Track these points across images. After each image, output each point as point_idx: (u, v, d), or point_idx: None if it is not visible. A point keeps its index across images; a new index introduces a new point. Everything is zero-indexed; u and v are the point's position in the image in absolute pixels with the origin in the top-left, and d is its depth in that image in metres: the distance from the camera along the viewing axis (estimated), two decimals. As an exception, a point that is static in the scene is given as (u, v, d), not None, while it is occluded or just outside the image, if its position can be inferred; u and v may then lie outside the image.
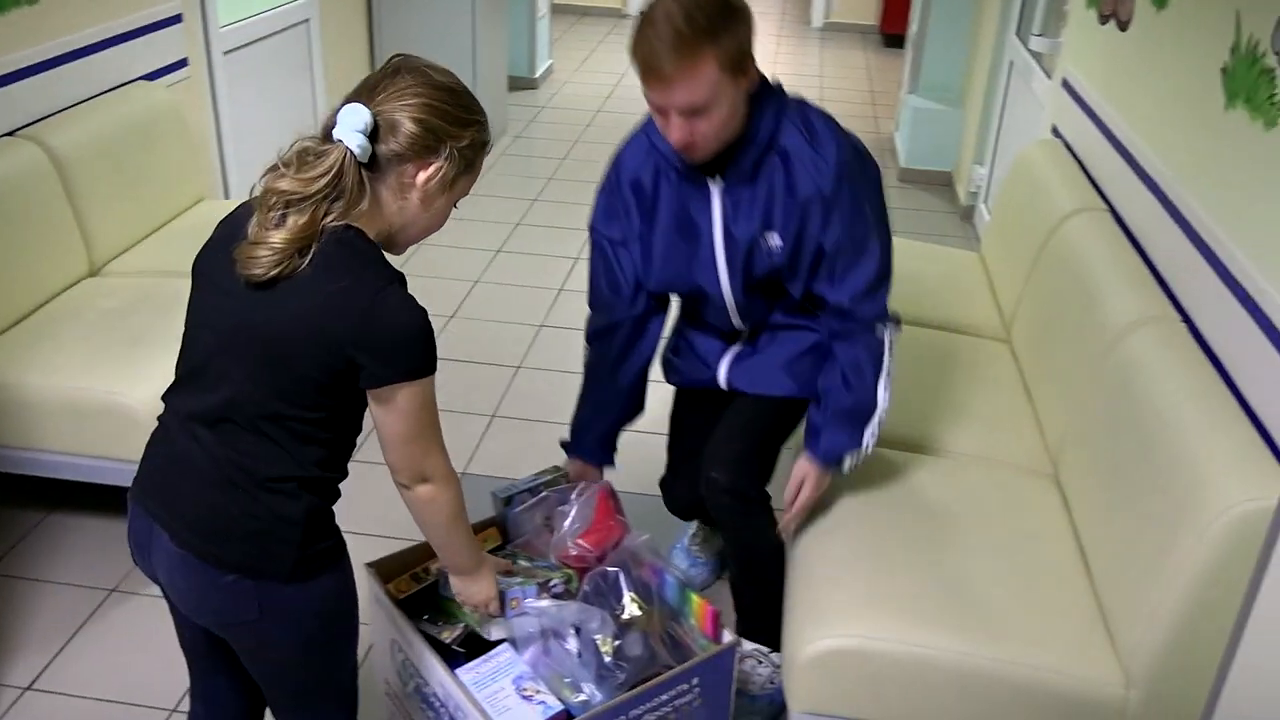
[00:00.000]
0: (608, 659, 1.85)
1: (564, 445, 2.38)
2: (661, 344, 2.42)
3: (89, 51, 3.32)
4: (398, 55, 1.57)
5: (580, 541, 2.06)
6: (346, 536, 1.66)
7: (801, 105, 2.07)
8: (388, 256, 1.55)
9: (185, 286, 2.99)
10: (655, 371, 2.45)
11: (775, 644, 2.30)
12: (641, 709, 1.84)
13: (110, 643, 2.50)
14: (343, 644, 1.68)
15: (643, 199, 2.14)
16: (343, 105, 1.49)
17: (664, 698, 1.87)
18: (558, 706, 1.81)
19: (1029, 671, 1.90)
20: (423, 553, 2.06)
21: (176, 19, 3.77)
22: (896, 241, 2.21)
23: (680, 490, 2.56)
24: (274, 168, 1.48)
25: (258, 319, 1.47)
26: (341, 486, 1.63)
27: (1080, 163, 3.25)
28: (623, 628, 1.91)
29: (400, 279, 1.50)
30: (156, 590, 2.63)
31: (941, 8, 5.58)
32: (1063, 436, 2.45)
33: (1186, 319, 2.32)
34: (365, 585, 1.84)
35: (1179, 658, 1.81)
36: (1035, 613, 2.01)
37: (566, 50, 8.30)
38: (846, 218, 2.03)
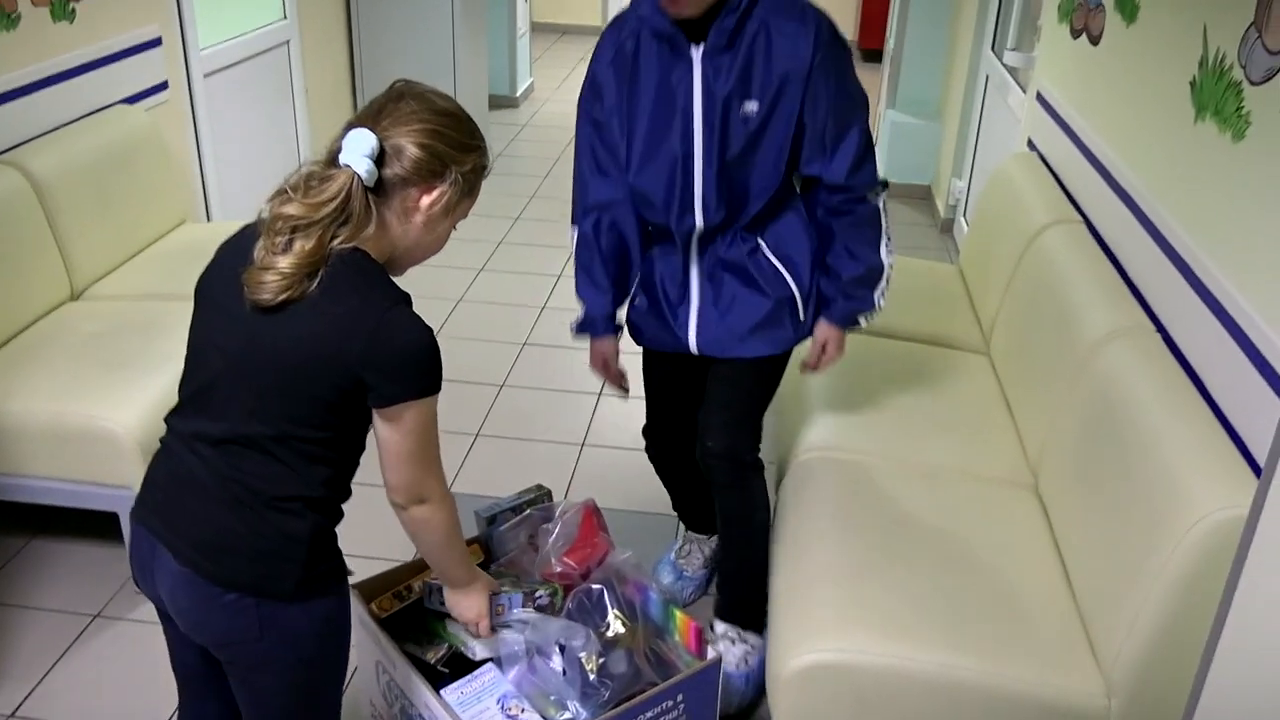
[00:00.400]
0: (592, 676, 1.86)
1: (574, 332, 2.43)
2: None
3: (69, 75, 3.32)
4: (400, 81, 1.59)
5: (564, 559, 2.06)
6: (332, 558, 1.67)
7: None
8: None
9: (167, 309, 3.03)
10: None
11: (753, 624, 2.39)
12: (627, 726, 1.85)
13: (95, 669, 2.49)
14: (335, 668, 1.69)
15: (623, 71, 2.17)
16: (347, 131, 1.51)
17: (649, 714, 1.87)
18: (543, 725, 1.81)
19: (1011, 683, 1.91)
20: (405, 572, 2.06)
21: (156, 42, 3.78)
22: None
23: (662, 445, 2.63)
24: (280, 192, 1.50)
25: (267, 342, 1.48)
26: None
27: (1055, 175, 3.28)
28: (607, 645, 1.91)
29: (406, 299, 1.52)
30: (141, 615, 2.63)
31: (918, 23, 5.63)
32: (1042, 448, 2.47)
33: (1161, 329, 2.35)
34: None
35: (1159, 666, 1.83)
36: (1017, 624, 2.02)
37: (547, 68, 8.34)
38: (831, 93, 2.10)
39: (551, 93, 7.70)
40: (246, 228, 1.58)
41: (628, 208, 2.26)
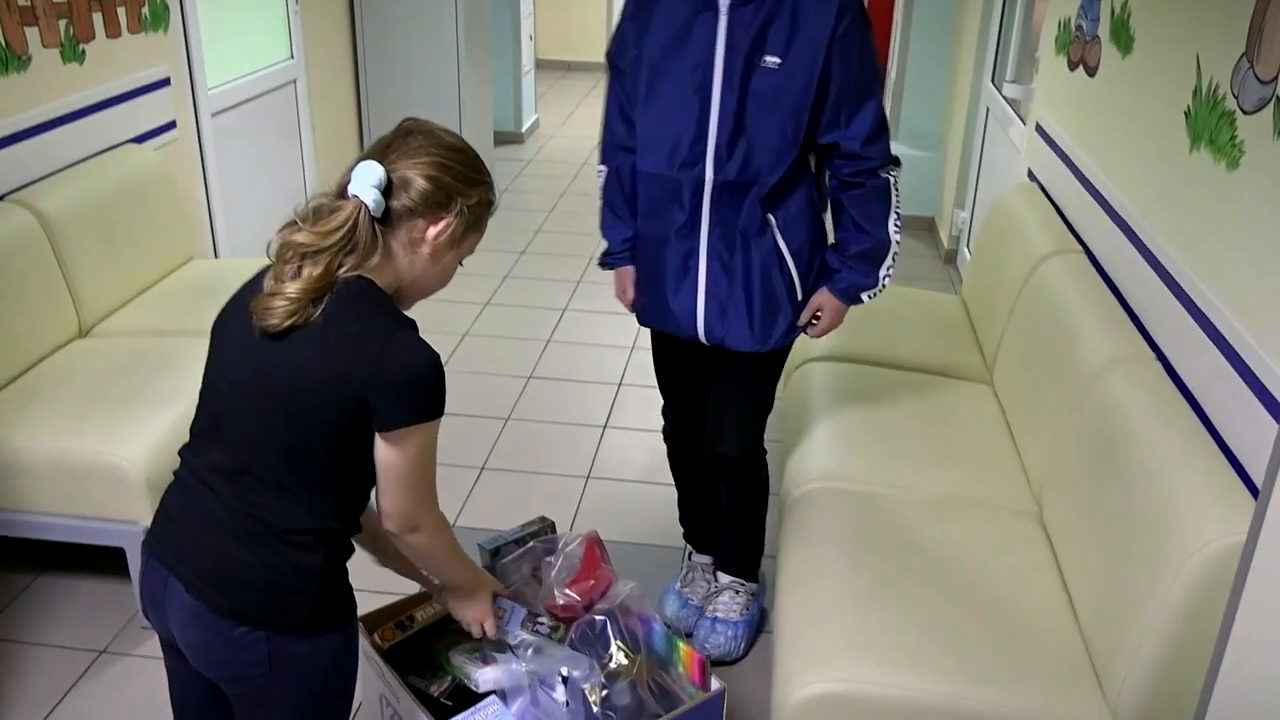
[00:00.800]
0: (596, 708, 1.86)
1: (601, 264, 2.57)
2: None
3: (78, 116, 3.37)
4: (409, 119, 1.64)
5: (567, 590, 2.07)
6: (334, 591, 1.67)
7: None
8: None
9: (174, 345, 3.06)
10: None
11: (750, 576, 2.70)
12: (630, 758, 1.84)
13: (100, 705, 2.49)
14: (342, 702, 1.70)
15: (640, 17, 2.25)
16: (356, 164, 1.55)
17: (653, 746, 1.87)
18: (547, 757, 1.81)
19: (1016, 713, 1.90)
20: (408, 604, 2.07)
21: (165, 82, 3.83)
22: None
23: (681, 439, 2.69)
24: (291, 223, 1.54)
25: (273, 368, 1.51)
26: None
27: (1055, 205, 3.30)
28: (610, 677, 1.91)
29: (411, 324, 1.55)
30: (147, 651, 2.63)
31: (919, 56, 5.69)
32: (1045, 476, 2.47)
33: (1161, 357, 2.36)
34: (353, 639, 1.85)
35: (1164, 693, 1.82)
36: (1022, 653, 2.02)
37: (552, 105, 8.41)
38: (854, 61, 2.15)
39: (556, 129, 7.76)
40: (264, 269, 1.62)
41: None
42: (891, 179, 2.27)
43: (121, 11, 3.57)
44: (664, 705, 1.94)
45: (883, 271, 2.33)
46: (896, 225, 2.30)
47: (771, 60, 2.13)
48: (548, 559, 2.11)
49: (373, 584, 2.38)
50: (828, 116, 2.19)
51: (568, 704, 1.87)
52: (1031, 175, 3.70)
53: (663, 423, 2.70)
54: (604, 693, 1.87)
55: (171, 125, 3.89)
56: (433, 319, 1.67)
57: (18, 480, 2.60)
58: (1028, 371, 2.76)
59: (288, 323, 1.49)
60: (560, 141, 7.44)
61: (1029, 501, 2.51)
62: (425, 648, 2.01)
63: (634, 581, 2.12)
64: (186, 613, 1.57)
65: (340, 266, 1.52)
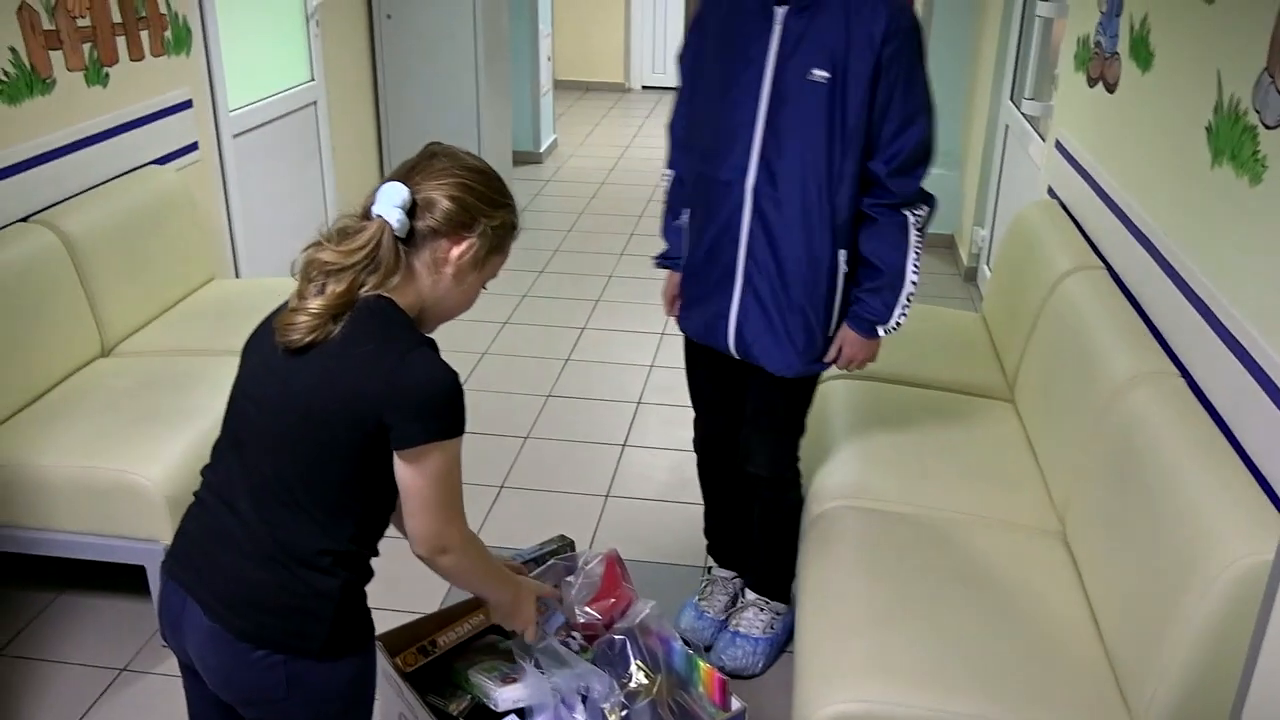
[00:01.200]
0: (616, 728, 1.85)
1: (655, 264, 2.59)
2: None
3: (102, 138, 3.40)
4: (433, 143, 1.65)
5: (588, 609, 2.06)
6: (353, 609, 1.67)
7: None
8: None
9: (196, 365, 3.08)
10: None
11: (780, 595, 2.67)
12: (651, 778, 1.83)
13: (120, 723, 2.50)
14: None
15: (701, 25, 2.28)
16: (381, 185, 1.57)
17: (673, 766, 1.86)
18: (566, 777, 1.80)
19: (1041, 732, 1.88)
20: (430, 625, 2.06)
21: (187, 104, 3.87)
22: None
23: (710, 454, 2.70)
24: (316, 242, 1.56)
25: (293, 385, 1.52)
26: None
27: (1076, 222, 3.29)
28: (630, 696, 1.90)
29: (429, 343, 1.56)
30: (167, 670, 2.63)
31: (937, 74, 5.62)
32: (1068, 494, 2.45)
33: (1184, 373, 2.34)
34: (373, 658, 1.84)
35: (1192, 715, 1.79)
36: (1046, 673, 2.00)
37: (570, 125, 8.45)
38: (899, 86, 2.12)
39: (575, 149, 7.79)
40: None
41: None
42: (912, 218, 2.22)
43: (145, 35, 3.61)
44: (684, 725, 1.92)
45: (896, 310, 2.29)
46: (915, 266, 2.26)
47: (820, 74, 2.12)
48: (568, 578, 2.10)
49: (391, 603, 2.39)
50: (869, 139, 2.16)
51: (587, 723, 1.86)
52: (1051, 192, 3.69)
53: (693, 433, 2.71)
54: (624, 713, 1.86)
55: (193, 147, 3.92)
56: (451, 338, 1.67)
57: (40, 499, 2.62)
58: (1050, 389, 2.74)
59: (308, 338, 1.50)
60: (578, 161, 7.47)
61: (1052, 520, 2.49)
62: (445, 667, 2.00)
63: (654, 600, 2.11)
64: (204, 635, 1.57)
65: (362, 285, 1.53)
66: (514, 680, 1.90)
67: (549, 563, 2.16)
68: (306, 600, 1.55)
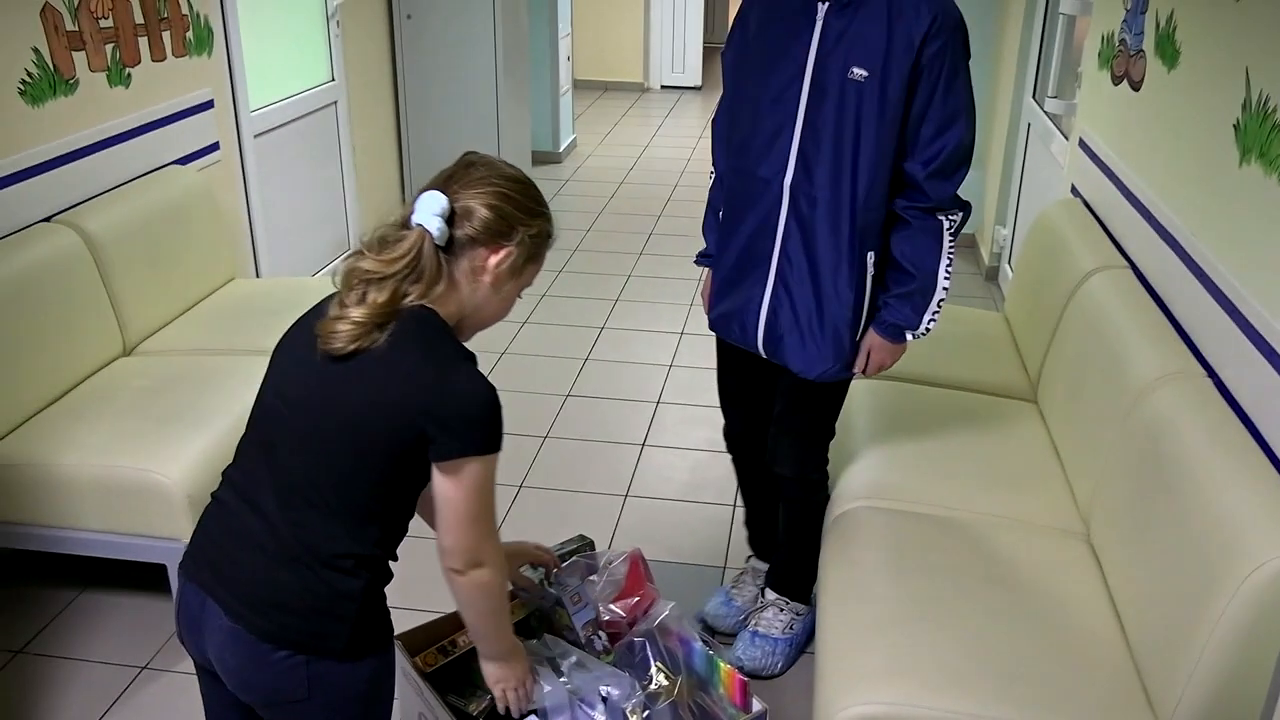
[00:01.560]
0: (636, 729, 1.84)
1: (696, 262, 2.56)
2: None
3: (124, 138, 3.42)
4: (469, 152, 1.67)
5: (612, 606, 2.06)
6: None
7: None
8: None
9: (217, 364, 3.09)
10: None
11: (800, 596, 2.66)
12: (671, 780, 1.82)
13: (141, 721, 2.51)
14: None
15: (745, 24, 2.26)
16: (420, 195, 1.57)
17: (694, 768, 1.85)
18: (586, 779, 1.79)
19: (1065, 736, 1.87)
20: (449, 625, 2.06)
21: (208, 104, 3.88)
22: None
23: (740, 452, 2.71)
24: (357, 252, 1.57)
25: (334, 391, 1.52)
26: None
27: (1100, 221, 3.26)
28: (650, 698, 1.89)
29: (471, 357, 1.57)
30: (188, 667, 2.64)
31: (957, 72, 5.64)
32: (1092, 496, 2.42)
33: (1211, 373, 2.31)
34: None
35: (1221, 717, 1.77)
36: (1070, 676, 1.98)
37: (589, 124, 8.44)
38: (940, 86, 2.09)
39: (594, 148, 7.79)
40: (330, 294, 1.64)
41: None
42: (946, 223, 2.19)
43: (167, 36, 3.62)
44: (705, 727, 1.91)
45: (927, 315, 2.27)
46: (947, 271, 2.23)
47: (859, 72, 2.10)
48: (591, 577, 2.10)
49: (410, 602, 2.38)
50: (906, 140, 2.14)
51: (608, 724, 1.85)
52: (1075, 191, 3.66)
53: (724, 430, 2.71)
54: (645, 714, 1.85)
55: (215, 147, 3.94)
56: (473, 338, 1.67)
57: (62, 497, 2.63)
58: (1074, 389, 2.72)
59: (351, 346, 1.50)
60: (597, 161, 7.47)
61: (1076, 521, 2.46)
62: (465, 666, 2.00)
63: (673, 601, 2.10)
64: (225, 636, 1.56)
65: (406, 295, 1.54)
66: (534, 680, 1.89)
67: (572, 559, 2.15)
68: (329, 601, 1.55)
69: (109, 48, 3.34)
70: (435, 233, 1.54)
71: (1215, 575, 1.78)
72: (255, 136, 4.23)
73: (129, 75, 3.45)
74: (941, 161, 2.13)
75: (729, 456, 2.74)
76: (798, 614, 2.67)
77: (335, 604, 1.55)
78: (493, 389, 1.55)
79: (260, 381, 1.65)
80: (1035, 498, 2.55)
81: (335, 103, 4.96)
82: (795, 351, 2.30)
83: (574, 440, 3.76)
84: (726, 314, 2.40)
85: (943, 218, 2.19)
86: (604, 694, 1.86)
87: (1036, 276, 3.30)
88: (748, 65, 2.26)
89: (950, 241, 2.22)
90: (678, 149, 7.80)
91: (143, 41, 3.50)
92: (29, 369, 2.82)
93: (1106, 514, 2.32)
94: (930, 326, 2.29)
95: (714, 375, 2.63)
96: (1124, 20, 3.29)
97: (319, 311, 1.60)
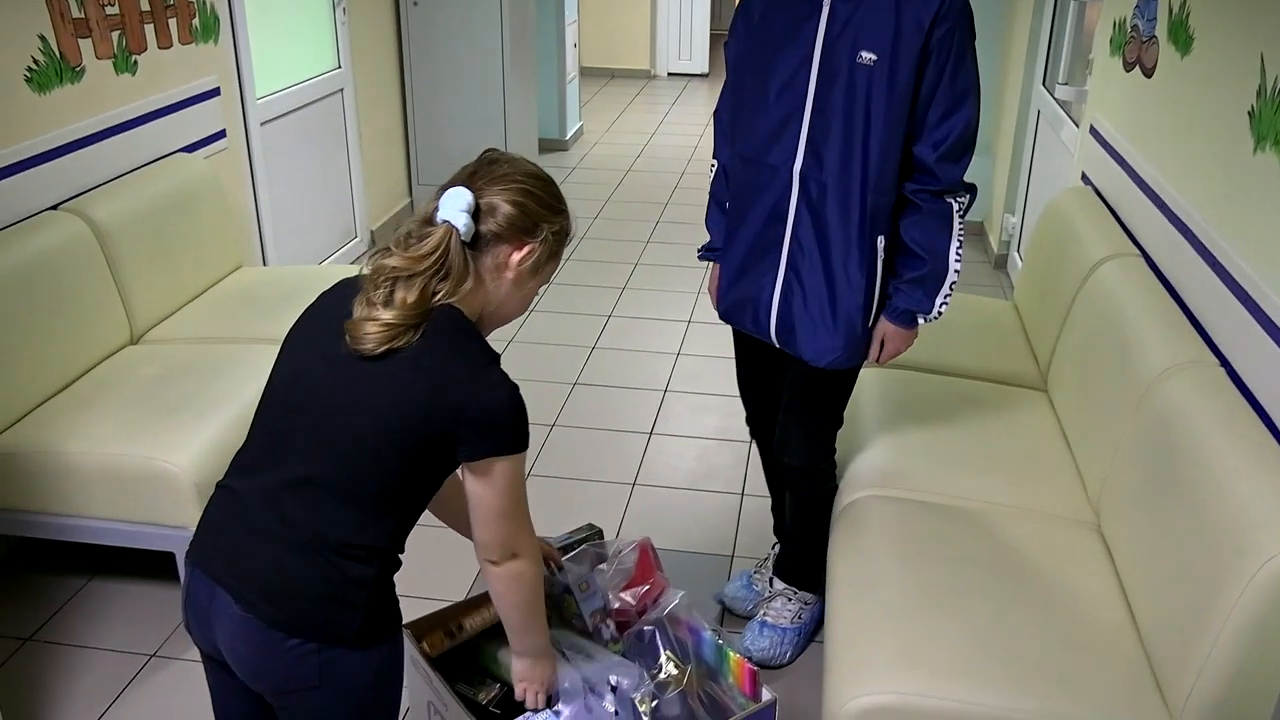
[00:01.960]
0: (645, 719, 1.83)
1: (700, 256, 2.55)
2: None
3: (130, 126, 3.41)
4: (490, 149, 1.67)
5: (623, 594, 2.05)
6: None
7: None
8: None
9: (224, 352, 3.08)
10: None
11: (808, 585, 2.66)
12: (681, 769, 1.82)
13: (151, 708, 2.50)
14: (389, 713, 1.69)
15: (750, 13, 2.25)
16: (443, 191, 1.57)
17: (703, 758, 1.84)
18: (595, 768, 1.79)
19: (1076, 726, 1.86)
20: (455, 611, 2.06)
21: (215, 92, 3.87)
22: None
23: (761, 440, 2.71)
24: (384, 249, 1.57)
25: (362, 389, 1.52)
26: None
27: (1111, 209, 3.24)
28: (660, 687, 1.89)
29: (498, 358, 1.58)
30: (197, 655, 2.64)
31: (967, 59, 5.61)
32: (1103, 485, 2.41)
33: (1224, 362, 2.30)
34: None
35: (1232, 709, 1.76)
36: (1081, 666, 1.97)
37: (596, 112, 8.42)
38: (948, 68, 2.09)
39: (601, 135, 7.77)
40: (343, 281, 1.64)
41: None
42: (955, 205, 2.19)
43: (173, 23, 3.61)
44: (714, 716, 1.91)
45: (939, 299, 2.26)
46: (958, 254, 2.23)
47: (868, 56, 2.09)
48: (600, 565, 2.09)
49: (418, 590, 2.39)
50: (914, 123, 2.13)
51: (617, 713, 1.84)
52: (1085, 178, 3.64)
53: (746, 417, 2.72)
54: (654, 703, 1.85)
55: (221, 134, 3.93)
56: (489, 334, 1.67)
57: (70, 485, 2.63)
58: (1084, 378, 2.71)
59: (383, 348, 1.50)
60: (604, 148, 7.44)
61: (1087, 511, 2.45)
62: (473, 650, 2.00)
63: (683, 590, 2.10)
64: (236, 625, 1.56)
65: (436, 293, 1.54)
66: None
67: (582, 547, 2.15)
68: (341, 588, 1.54)
69: (115, 35, 3.33)
70: (462, 228, 1.54)
71: (1228, 566, 1.77)
72: (262, 124, 4.22)
73: (135, 63, 3.44)
74: (951, 144, 2.13)
75: (737, 445, 2.74)
76: (806, 603, 2.67)
77: (347, 591, 1.55)
78: (517, 390, 1.56)
79: (270, 369, 1.64)
80: (1045, 487, 2.54)
81: (341, 90, 4.95)
82: (807, 339, 2.29)
83: (581, 429, 3.76)
84: (739, 303, 2.38)
85: (952, 200, 2.19)
86: (613, 683, 1.86)
87: (1047, 264, 3.28)
88: (753, 54, 2.24)
89: (960, 224, 2.21)
90: (685, 137, 7.77)
91: (149, 28, 3.49)
92: (36, 357, 2.81)
93: (1117, 504, 2.31)
94: (942, 310, 2.28)
95: (721, 363, 2.63)
96: (1136, 6, 3.26)
97: (340, 303, 1.58)
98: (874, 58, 2.08)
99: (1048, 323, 3.09)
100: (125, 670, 2.61)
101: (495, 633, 2.03)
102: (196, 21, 3.74)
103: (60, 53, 3.10)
